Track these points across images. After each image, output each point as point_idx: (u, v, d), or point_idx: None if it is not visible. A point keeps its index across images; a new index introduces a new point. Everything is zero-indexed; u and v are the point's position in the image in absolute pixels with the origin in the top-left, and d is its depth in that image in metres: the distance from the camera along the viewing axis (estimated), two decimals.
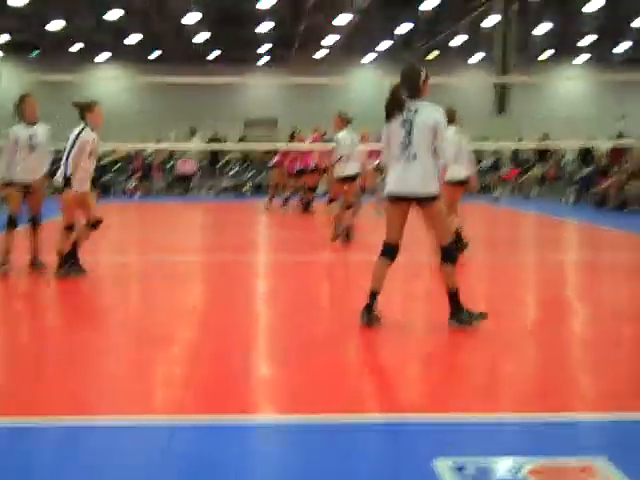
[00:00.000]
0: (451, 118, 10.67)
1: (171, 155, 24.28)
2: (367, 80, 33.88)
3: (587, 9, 24.02)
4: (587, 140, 22.85)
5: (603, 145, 21.59)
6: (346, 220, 10.38)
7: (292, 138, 17.01)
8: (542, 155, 23.10)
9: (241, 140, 24.69)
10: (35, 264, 7.91)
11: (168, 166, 23.30)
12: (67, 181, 7.36)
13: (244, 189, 22.90)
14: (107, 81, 33.88)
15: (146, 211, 18.11)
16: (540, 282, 8.18)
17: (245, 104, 32.75)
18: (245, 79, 30.73)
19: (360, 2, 23.84)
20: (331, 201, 10.78)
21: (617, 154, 21.22)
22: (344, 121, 10.72)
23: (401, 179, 5.40)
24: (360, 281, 7.65)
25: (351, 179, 10.42)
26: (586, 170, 20.19)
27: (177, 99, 29.18)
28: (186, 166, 22.40)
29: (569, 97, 33.39)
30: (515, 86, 24.78)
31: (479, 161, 24.82)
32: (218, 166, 23.32)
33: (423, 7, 23.74)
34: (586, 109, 31.78)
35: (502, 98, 23.83)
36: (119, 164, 23.23)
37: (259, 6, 23.66)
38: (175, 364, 4.80)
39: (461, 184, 8.65)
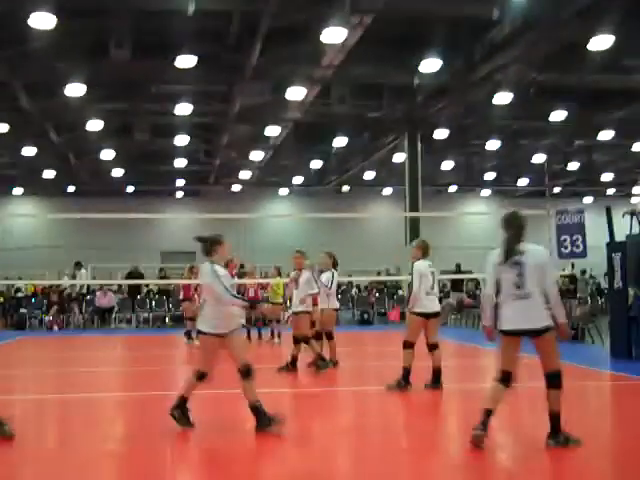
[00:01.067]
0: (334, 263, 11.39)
1: (88, 288, 24.16)
2: (282, 212, 34.71)
3: (489, 147, 25.61)
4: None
5: None
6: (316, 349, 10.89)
7: (191, 271, 17.58)
8: (456, 284, 23.92)
9: (161, 271, 24.81)
10: None
11: (87, 299, 23.10)
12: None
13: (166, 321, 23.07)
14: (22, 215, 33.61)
15: (65, 345, 17.78)
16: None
17: (162, 236, 32.98)
18: (161, 214, 30.99)
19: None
20: (319, 336, 11.03)
21: None
22: (304, 257, 11.08)
23: (518, 317, 5.95)
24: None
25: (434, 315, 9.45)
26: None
27: (94, 232, 29.22)
28: (105, 299, 22.25)
29: (477, 228, 34.92)
30: (426, 217, 25.82)
31: (396, 291, 25.54)
32: (137, 298, 23.22)
33: (335, 144, 24.83)
34: (493, 239, 33.23)
35: (413, 229, 24.73)
36: (35, 298, 22.89)
37: (175, 142, 24.31)
38: None
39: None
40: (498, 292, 6.09)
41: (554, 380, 6.00)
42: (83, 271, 23.09)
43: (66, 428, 7.50)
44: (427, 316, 9.06)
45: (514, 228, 6.14)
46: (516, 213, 6.28)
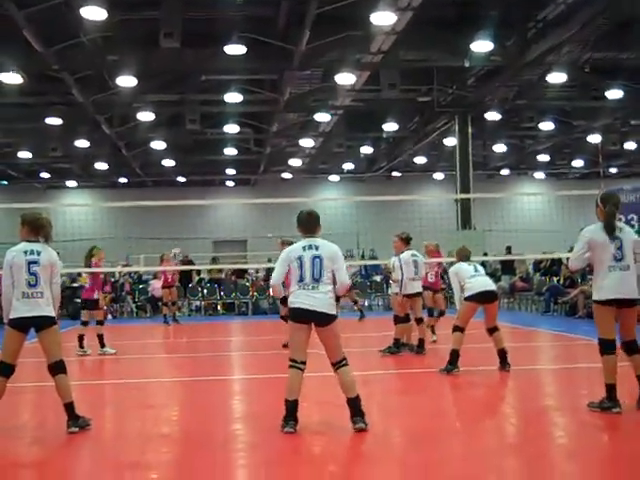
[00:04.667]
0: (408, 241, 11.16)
1: (140, 277, 24.47)
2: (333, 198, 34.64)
3: (542, 128, 25.16)
4: (547, 252, 23.49)
5: (565, 256, 22.17)
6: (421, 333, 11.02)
7: (162, 261, 19.07)
8: (507, 267, 23.57)
9: (214, 260, 25.06)
10: None
11: (139, 287, 23.39)
12: None
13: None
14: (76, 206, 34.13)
15: (120, 333, 18.02)
16: (523, 394, 8.27)
17: (214, 226, 33.21)
18: (213, 201, 31.24)
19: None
20: (398, 318, 11.01)
21: None
22: (405, 241, 11.10)
23: (620, 286, 6.35)
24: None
25: (417, 295, 11.03)
26: (552, 281, 20.64)
27: (147, 223, 29.56)
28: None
29: (530, 211, 34.40)
30: (477, 201, 25.49)
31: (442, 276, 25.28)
32: (189, 287, 23.39)
33: (385, 129, 24.71)
34: (546, 222, 32.72)
35: (465, 213, 24.45)
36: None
37: (225, 131, 24.45)
38: None
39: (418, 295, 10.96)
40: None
41: (632, 347, 6.47)
42: None
43: (122, 410, 7.61)
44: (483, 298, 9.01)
45: (618, 207, 6.51)
46: (617, 194, 6.88)
